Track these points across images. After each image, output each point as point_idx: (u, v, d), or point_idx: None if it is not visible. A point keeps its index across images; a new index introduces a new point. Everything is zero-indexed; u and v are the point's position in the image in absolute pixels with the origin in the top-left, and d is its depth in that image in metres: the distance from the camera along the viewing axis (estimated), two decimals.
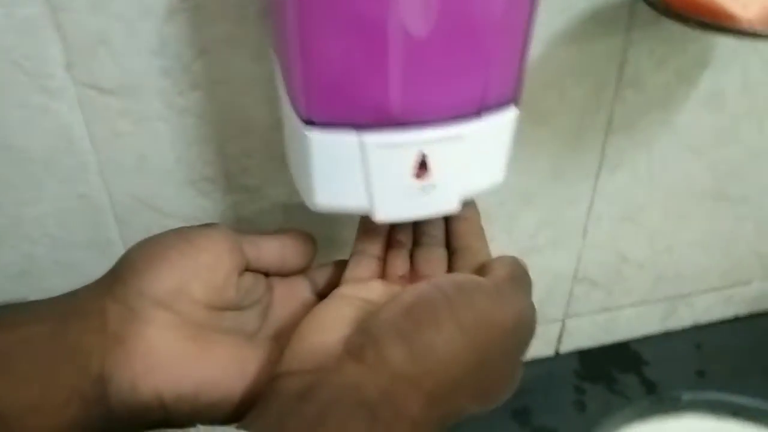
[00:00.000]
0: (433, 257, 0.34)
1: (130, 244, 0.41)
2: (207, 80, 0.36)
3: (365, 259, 0.34)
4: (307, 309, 0.30)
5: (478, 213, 0.35)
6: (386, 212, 0.31)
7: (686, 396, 0.56)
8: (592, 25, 0.40)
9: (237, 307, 0.31)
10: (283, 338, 0.31)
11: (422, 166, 0.30)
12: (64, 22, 0.33)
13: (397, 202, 0.31)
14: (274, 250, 0.33)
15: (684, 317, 0.61)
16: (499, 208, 0.47)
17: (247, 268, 0.32)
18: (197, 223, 0.40)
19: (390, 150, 0.29)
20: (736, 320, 0.63)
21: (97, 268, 0.42)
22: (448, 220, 0.35)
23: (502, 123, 0.31)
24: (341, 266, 0.34)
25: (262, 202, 0.42)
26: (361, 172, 0.30)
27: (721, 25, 0.31)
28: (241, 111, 0.38)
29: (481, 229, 0.35)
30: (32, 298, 0.30)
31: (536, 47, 0.40)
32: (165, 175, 0.39)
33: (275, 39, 0.30)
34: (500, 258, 0.32)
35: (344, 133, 0.29)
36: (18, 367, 0.26)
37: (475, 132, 0.30)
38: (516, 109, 0.31)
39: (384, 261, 0.35)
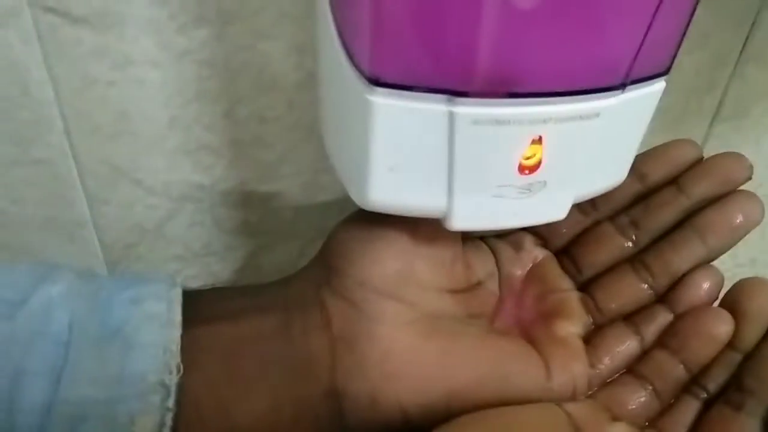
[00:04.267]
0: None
1: (105, 228, 0.32)
2: (217, 12, 0.27)
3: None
4: (538, 267, 0.27)
5: None
6: (466, 219, 0.22)
7: None
8: None
9: (468, 286, 0.26)
10: (523, 309, 0.26)
11: (534, 154, 0.21)
12: None
13: (487, 205, 0.22)
14: None
15: None
16: None
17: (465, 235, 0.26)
18: (190, 205, 0.31)
19: (493, 128, 0.20)
20: None
21: (60, 255, 0.33)
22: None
23: (646, 100, 0.22)
24: None
25: (276, 182, 0.32)
26: (444, 159, 0.20)
27: None
28: (261, 60, 0.28)
29: None
30: None
31: None
32: (153, 140, 0.30)
33: None
34: None
35: (424, 100, 0.19)
36: (248, 371, 0.23)
37: (615, 110, 0.20)
38: (664, 82, 0.22)
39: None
